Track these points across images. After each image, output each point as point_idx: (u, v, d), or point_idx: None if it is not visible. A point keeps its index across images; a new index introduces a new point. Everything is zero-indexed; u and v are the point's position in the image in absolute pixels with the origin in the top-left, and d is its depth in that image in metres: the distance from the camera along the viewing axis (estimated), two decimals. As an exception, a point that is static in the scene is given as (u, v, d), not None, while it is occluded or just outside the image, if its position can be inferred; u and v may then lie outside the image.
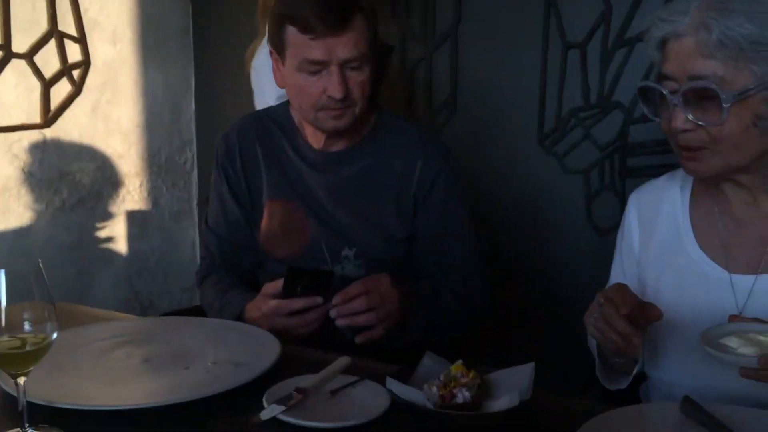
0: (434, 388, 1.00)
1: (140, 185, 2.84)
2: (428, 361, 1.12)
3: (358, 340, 1.32)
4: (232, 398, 1.02)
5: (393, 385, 1.01)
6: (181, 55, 2.95)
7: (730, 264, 1.12)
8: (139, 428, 0.97)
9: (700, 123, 1.02)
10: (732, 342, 0.87)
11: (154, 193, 2.89)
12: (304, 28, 1.34)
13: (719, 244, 1.14)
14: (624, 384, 1.18)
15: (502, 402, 0.97)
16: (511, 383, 1.04)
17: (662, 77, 1.06)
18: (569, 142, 2.20)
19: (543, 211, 2.28)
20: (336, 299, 1.28)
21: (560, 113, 2.20)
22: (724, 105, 0.98)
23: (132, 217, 2.82)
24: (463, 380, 1.02)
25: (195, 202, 3.04)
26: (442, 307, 1.44)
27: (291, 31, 1.37)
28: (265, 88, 1.95)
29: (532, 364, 1.06)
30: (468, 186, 2.27)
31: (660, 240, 1.20)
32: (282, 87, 1.48)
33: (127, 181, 2.79)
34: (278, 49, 1.43)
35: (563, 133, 2.20)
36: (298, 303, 1.29)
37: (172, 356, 1.18)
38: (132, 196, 2.82)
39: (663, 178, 1.27)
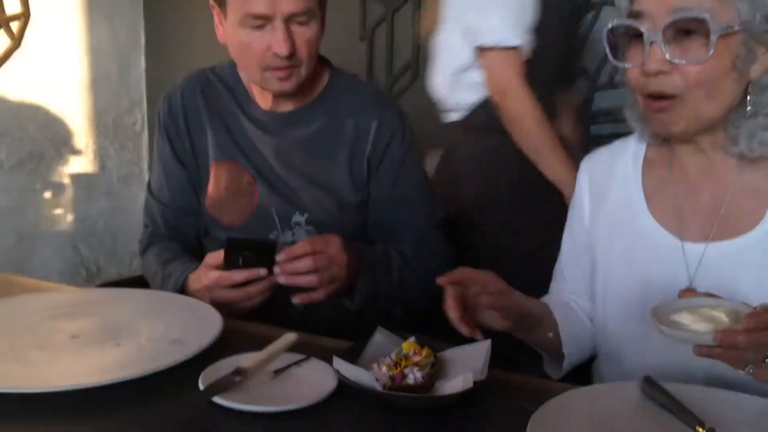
0: (384, 368, 0.94)
1: (86, 146, 2.70)
2: (379, 338, 1.06)
3: (294, 300, 1.25)
4: (166, 379, 0.94)
5: (340, 364, 0.94)
6: (130, 7, 2.79)
7: (683, 231, 1.09)
8: (60, 413, 0.88)
9: (679, 61, 0.96)
10: (684, 318, 0.83)
11: (101, 155, 2.76)
12: None
13: (672, 212, 1.10)
14: (555, 374, 1.17)
15: (456, 383, 0.91)
16: (467, 361, 0.99)
17: (634, 15, 0.99)
18: (533, 108, 2.14)
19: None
20: (280, 256, 1.22)
21: (524, 78, 2.14)
22: (712, 37, 0.93)
23: (77, 180, 2.69)
24: (416, 359, 0.96)
25: (145, 164, 2.92)
26: (393, 275, 1.38)
27: None
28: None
29: (489, 341, 1.00)
30: (425, 150, 2.21)
31: (611, 208, 1.17)
32: (224, 43, 1.38)
33: (71, 142, 2.65)
34: (219, 2, 1.33)
35: (527, 100, 2.14)
36: (240, 275, 1.22)
37: (103, 332, 1.09)
38: (77, 158, 2.68)
39: (614, 145, 1.22)
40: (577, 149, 1.76)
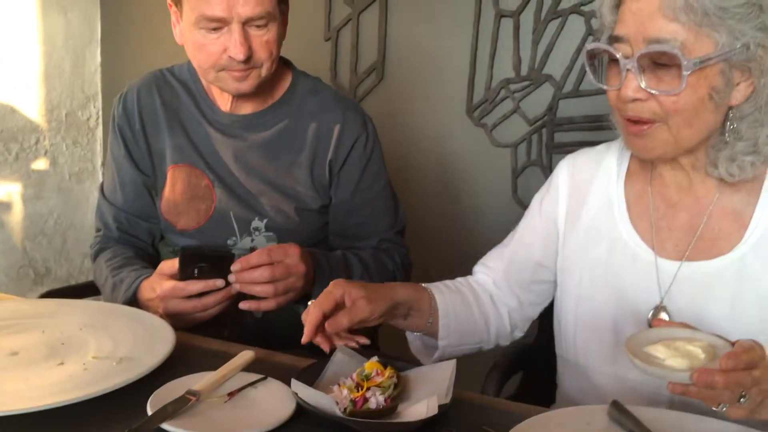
0: (345, 391, 0.90)
1: (36, 142, 2.59)
2: (341, 357, 1.02)
3: (242, 306, 1.21)
4: (113, 401, 0.89)
5: (298, 387, 0.90)
6: (85, -2, 2.69)
7: (658, 247, 1.08)
8: (-3, 438, 0.83)
9: (653, 91, 0.94)
10: (659, 352, 0.81)
11: (52, 150, 2.65)
12: None
13: (649, 225, 1.10)
14: (425, 360, 1.16)
15: (419, 408, 0.88)
16: (431, 382, 0.96)
17: (613, 39, 0.98)
18: (498, 114, 2.13)
19: (468, 184, 2.22)
20: (235, 266, 1.18)
21: (490, 84, 2.12)
22: (684, 72, 0.91)
23: (27, 176, 2.57)
24: (378, 379, 0.93)
25: (99, 161, 2.81)
26: (352, 279, 1.33)
27: None
28: None
29: (454, 362, 0.98)
30: (392, 155, 2.17)
31: (593, 213, 1.15)
32: (181, 44, 1.33)
33: (21, 137, 2.54)
34: (176, 1, 1.29)
35: (492, 105, 2.13)
36: (196, 286, 1.18)
37: (46, 348, 1.02)
38: (27, 153, 2.57)
39: (600, 148, 1.21)
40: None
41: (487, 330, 1.23)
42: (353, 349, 1.03)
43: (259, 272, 1.18)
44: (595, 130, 1.97)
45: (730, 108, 0.98)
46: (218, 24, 1.24)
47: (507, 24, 2.07)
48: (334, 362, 1.01)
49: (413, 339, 1.21)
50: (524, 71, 2.08)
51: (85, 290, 1.57)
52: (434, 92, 2.22)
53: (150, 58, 2.61)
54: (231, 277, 1.20)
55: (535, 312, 1.27)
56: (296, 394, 0.89)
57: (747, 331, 0.98)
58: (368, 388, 0.90)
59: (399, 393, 0.94)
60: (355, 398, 0.89)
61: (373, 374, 0.94)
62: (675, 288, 1.05)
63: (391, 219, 1.47)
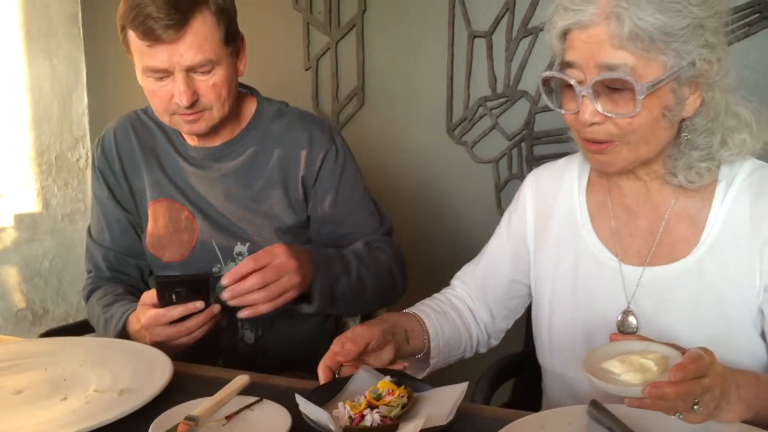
0: (347, 408, 0.94)
1: (28, 185, 2.63)
2: (363, 375, 1.04)
3: (240, 315, 1.19)
4: (116, 431, 0.93)
5: (301, 402, 0.93)
6: (70, 43, 2.75)
7: (621, 254, 1.12)
8: (6, 474, 0.86)
9: (610, 115, 0.98)
10: (615, 367, 0.84)
11: (44, 193, 2.69)
12: (141, 34, 1.23)
13: (611, 234, 1.14)
14: (418, 375, 1.19)
15: (408, 428, 0.90)
16: (439, 403, 0.97)
17: (565, 65, 1.01)
18: (477, 131, 2.19)
19: (453, 201, 2.26)
20: (225, 280, 1.16)
21: (468, 103, 2.18)
22: (638, 97, 0.95)
23: (20, 219, 2.61)
24: (388, 398, 0.96)
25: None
26: (351, 273, 1.34)
27: (131, 36, 1.27)
28: None
29: (465, 384, 1.00)
30: (377, 177, 2.22)
31: (558, 226, 1.19)
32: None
33: (13, 181, 2.58)
34: (128, 51, 1.33)
35: (471, 123, 2.19)
36: (176, 311, 1.19)
37: (49, 385, 1.06)
38: (19, 197, 2.61)
39: (561, 162, 1.25)
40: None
41: (470, 340, 1.28)
42: (378, 369, 1.06)
43: (250, 281, 1.16)
44: (572, 140, 2.02)
45: (683, 120, 1.02)
46: (162, 74, 1.27)
47: (480, 44, 2.14)
48: (355, 380, 1.03)
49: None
50: (500, 89, 2.14)
51: (84, 328, 1.59)
52: (415, 113, 2.27)
53: (134, 98, 2.64)
54: (225, 294, 1.17)
55: (508, 324, 1.32)
56: (300, 407, 0.93)
57: (709, 329, 1.03)
58: (373, 406, 0.94)
59: (406, 412, 0.96)
60: (353, 416, 0.92)
61: (384, 393, 0.96)
62: (640, 293, 1.09)
63: (375, 223, 1.48)
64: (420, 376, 1.19)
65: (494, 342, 1.33)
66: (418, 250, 2.26)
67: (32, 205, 2.65)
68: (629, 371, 0.82)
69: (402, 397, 0.96)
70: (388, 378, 1.00)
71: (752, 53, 1.81)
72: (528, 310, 1.31)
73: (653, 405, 0.79)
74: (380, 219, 1.50)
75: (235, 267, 1.19)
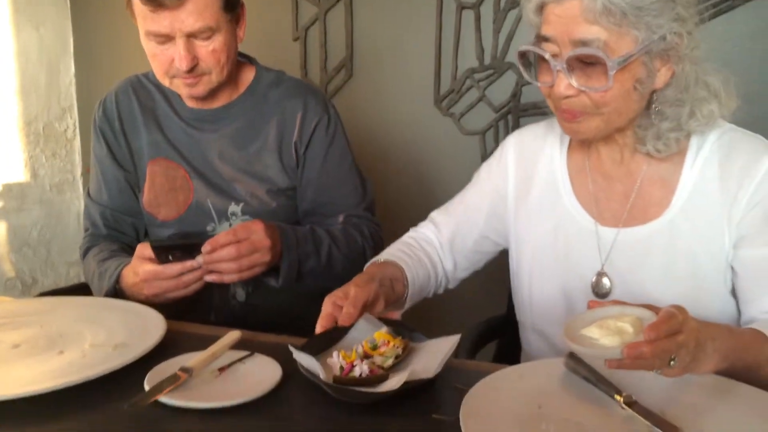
0: (340, 357, 0.97)
1: (16, 155, 2.63)
2: (363, 324, 1.05)
3: (206, 278, 1.28)
4: (112, 383, 0.96)
5: (295, 352, 0.96)
6: (57, 13, 2.73)
7: (597, 216, 1.16)
8: (5, 422, 0.89)
9: (583, 89, 1.01)
10: (593, 333, 0.88)
11: (32, 162, 2.69)
12: (144, 0, 1.27)
13: (589, 196, 1.18)
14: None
15: (391, 383, 0.92)
16: (430, 355, 1.00)
17: (541, 39, 1.04)
18: (465, 103, 2.21)
19: (440, 172, 2.29)
20: (205, 247, 1.25)
21: (456, 74, 2.20)
22: (610, 72, 0.98)
23: (8, 189, 2.62)
24: (383, 349, 0.99)
25: (79, 171, 2.86)
26: (321, 252, 1.41)
27: (135, 1, 1.31)
28: None
29: (457, 337, 1.02)
30: (365, 148, 2.25)
31: (540, 188, 1.23)
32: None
33: (1, 150, 2.58)
34: (132, 15, 1.36)
35: (459, 95, 2.21)
36: (175, 268, 1.26)
37: (46, 340, 1.09)
38: (7, 166, 2.61)
39: (543, 125, 1.28)
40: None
41: (435, 282, 1.33)
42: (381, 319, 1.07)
43: (226, 251, 1.24)
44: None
45: (654, 92, 1.06)
46: (164, 38, 1.32)
47: (468, 15, 2.16)
48: (356, 328, 1.05)
49: None
50: (487, 60, 2.16)
51: (77, 291, 1.61)
52: (403, 85, 2.29)
53: (121, 68, 2.66)
54: (200, 258, 1.25)
55: (466, 275, 1.38)
56: (294, 355, 0.95)
57: (681, 287, 1.07)
58: (361, 357, 0.97)
59: (399, 362, 0.99)
60: (344, 366, 0.95)
61: (380, 344, 1.00)
62: (614, 253, 1.13)
63: (358, 196, 1.54)
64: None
65: (451, 286, 1.38)
66: (405, 219, 2.28)
67: (20, 174, 2.66)
68: (607, 335, 0.86)
69: (397, 347, 0.99)
70: (385, 329, 1.03)
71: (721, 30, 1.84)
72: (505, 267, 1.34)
73: (632, 365, 0.82)
74: (363, 194, 1.55)
75: (216, 236, 1.26)
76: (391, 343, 1.00)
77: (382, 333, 1.02)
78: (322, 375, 0.92)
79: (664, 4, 0.98)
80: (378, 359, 0.98)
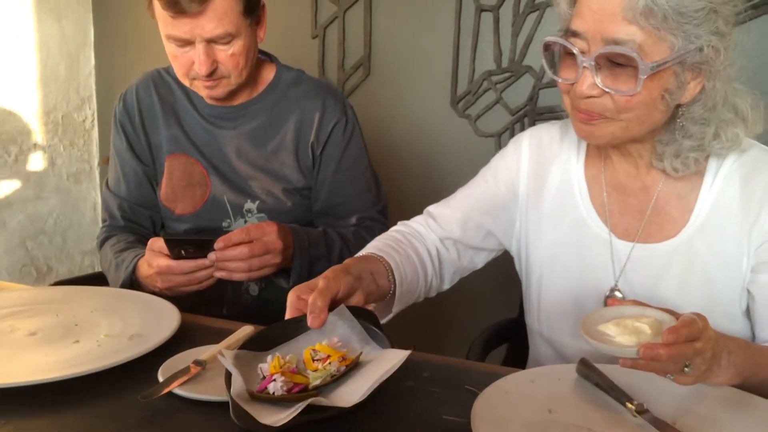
0: (266, 368, 0.85)
1: (34, 144, 2.66)
2: (332, 318, 0.91)
3: (215, 273, 1.29)
4: (126, 373, 0.97)
5: (224, 357, 0.85)
6: (78, 4, 2.76)
7: (612, 228, 1.13)
8: (21, 409, 0.90)
9: (609, 90, 0.96)
10: (610, 330, 0.87)
11: (50, 152, 2.72)
12: (165, 4, 1.29)
13: (603, 208, 1.15)
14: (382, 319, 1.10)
15: (289, 411, 0.77)
16: (369, 374, 0.85)
17: (569, 33, 0.98)
18: (481, 105, 2.21)
19: (455, 174, 2.29)
20: (218, 244, 1.26)
21: (473, 76, 2.20)
22: (641, 76, 0.93)
23: (26, 177, 2.64)
24: (317, 365, 0.85)
25: (96, 162, 2.89)
26: (333, 254, 1.41)
27: (156, 5, 1.33)
28: None
29: (407, 353, 0.87)
30: (380, 147, 2.25)
31: (553, 193, 1.19)
32: None
33: (19, 139, 2.61)
34: (153, 16, 1.38)
35: (476, 96, 2.21)
36: (188, 265, 1.27)
37: (62, 329, 1.11)
38: (25, 155, 2.64)
39: (558, 126, 1.23)
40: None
41: (425, 285, 1.21)
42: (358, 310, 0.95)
43: (239, 250, 1.26)
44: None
45: (678, 106, 1.01)
46: (184, 43, 1.33)
47: (487, 18, 2.16)
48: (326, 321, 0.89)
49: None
50: (505, 63, 2.16)
51: (92, 280, 1.63)
52: (419, 85, 2.30)
53: (141, 60, 2.68)
54: (212, 255, 1.26)
55: (463, 275, 1.26)
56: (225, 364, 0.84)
57: (695, 307, 1.04)
58: (283, 369, 0.83)
59: (335, 380, 0.85)
60: (267, 377, 0.84)
61: (318, 357, 0.86)
62: (629, 267, 1.10)
63: (371, 199, 1.54)
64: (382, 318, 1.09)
65: (446, 287, 1.26)
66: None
67: (39, 163, 2.69)
68: (624, 334, 0.85)
69: (334, 365, 0.85)
70: (332, 339, 0.90)
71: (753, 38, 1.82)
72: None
73: (646, 366, 0.81)
74: (377, 196, 1.56)
75: (230, 234, 1.27)
76: (330, 360, 0.86)
77: (323, 346, 0.88)
78: (238, 384, 0.81)
79: (707, 15, 0.93)
80: (310, 375, 0.85)
